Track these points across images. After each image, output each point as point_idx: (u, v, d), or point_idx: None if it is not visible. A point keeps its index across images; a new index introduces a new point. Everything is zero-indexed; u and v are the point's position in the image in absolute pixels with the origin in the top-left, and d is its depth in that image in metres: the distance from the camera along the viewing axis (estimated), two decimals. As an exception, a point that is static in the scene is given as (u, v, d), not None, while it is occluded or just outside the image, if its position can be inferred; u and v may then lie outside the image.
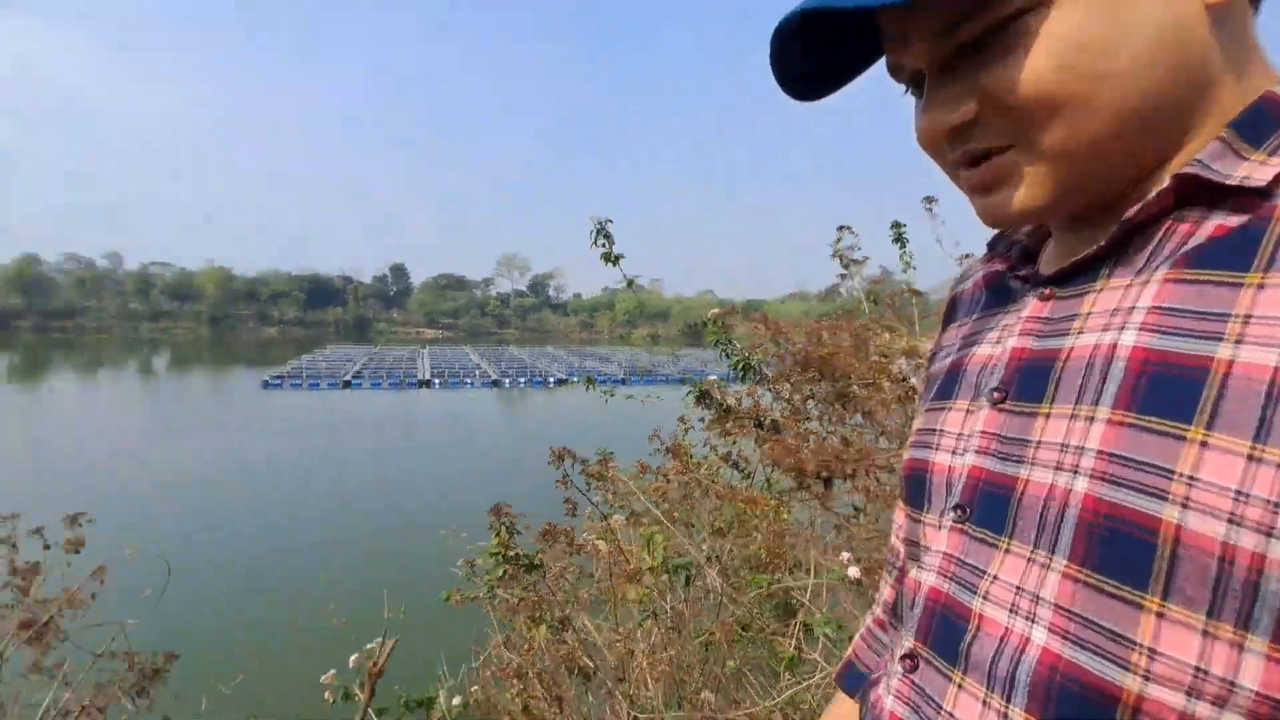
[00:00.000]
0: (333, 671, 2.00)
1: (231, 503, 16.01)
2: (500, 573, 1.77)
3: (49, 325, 78.02)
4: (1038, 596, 0.42)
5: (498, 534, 1.77)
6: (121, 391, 37.82)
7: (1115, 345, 0.42)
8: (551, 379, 44.89)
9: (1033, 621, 0.43)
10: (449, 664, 1.96)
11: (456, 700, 1.75)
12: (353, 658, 1.98)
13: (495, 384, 42.80)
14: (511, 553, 1.75)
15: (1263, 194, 0.39)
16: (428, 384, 41.13)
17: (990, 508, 0.47)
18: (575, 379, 44.61)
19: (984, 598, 0.46)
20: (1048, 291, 0.50)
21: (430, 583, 2.51)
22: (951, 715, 0.47)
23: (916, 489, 0.56)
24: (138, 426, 25.42)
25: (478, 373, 45.36)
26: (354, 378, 40.26)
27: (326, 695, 1.95)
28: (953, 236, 3.18)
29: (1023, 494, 0.45)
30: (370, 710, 1.81)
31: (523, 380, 44.02)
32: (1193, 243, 0.41)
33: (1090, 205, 0.47)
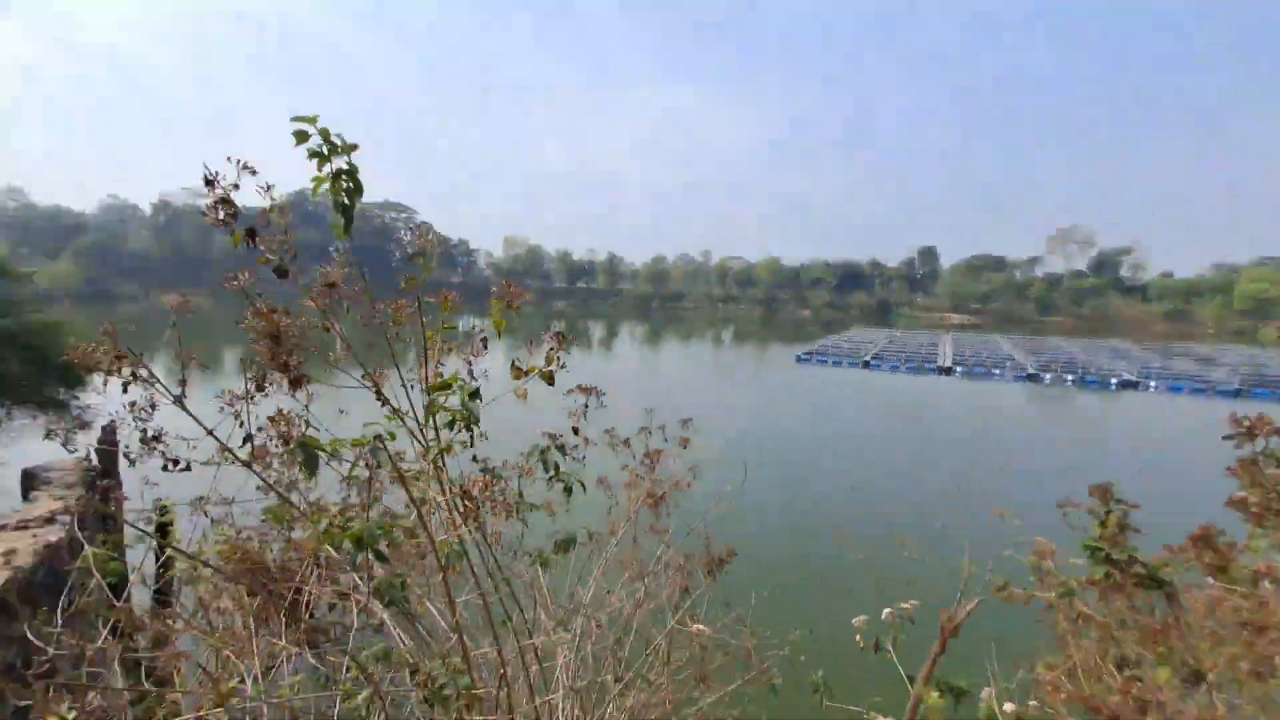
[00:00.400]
0: (863, 617, 1.95)
1: (768, 444, 19.00)
2: (1101, 573, 1.33)
3: (667, 305, 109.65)
4: None
5: (1101, 522, 1.33)
6: (701, 353, 50.11)
7: None
8: (1114, 380, 35.46)
9: None
10: (998, 659, 1.64)
11: (1009, 707, 1.43)
12: (885, 611, 1.88)
13: (1031, 378, 36.66)
14: (1122, 554, 1.28)
15: None
16: (948, 371, 38.61)
17: None
18: (1154, 383, 34.03)
19: None
20: None
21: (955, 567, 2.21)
22: None
23: None
24: (707, 377, 33.59)
25: (1009, 364, 39.76)
26: (873, 359, 41.44)
27: (857, 638, 1.92)
28: None
29: None
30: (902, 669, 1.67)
31: (1069, 378, 36.26)
32: None
33: None
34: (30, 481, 7.27)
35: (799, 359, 43.13)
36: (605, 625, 2.34)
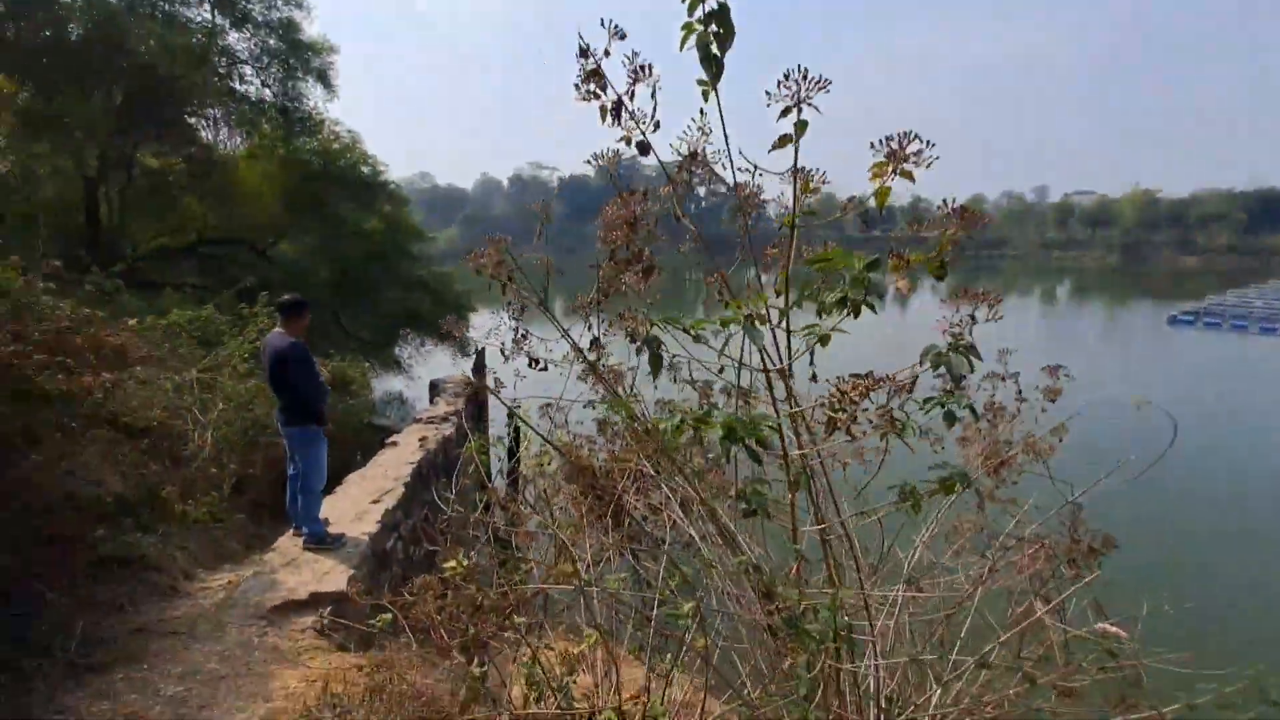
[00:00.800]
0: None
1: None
2: None
3: (981, 254, 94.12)
4: None
5: None
6: (1020, 314, 41.69)
7: None
8: None
9: None
10: None
11: None
12: None
13: None
14: None
15: None
16: None
17: None
18: None
19: None
20: None
21: None
22: None
23: None
24: (1029, 341, 27.54)
25: None
26: (1313, 325, 29.43)
27: None
28: None
29: None
30: None
31: None
32: None
33: None
34: (434, 390, 9.71)
35: (1174, 320, 33.10)
36: (930, 597, 2.02)
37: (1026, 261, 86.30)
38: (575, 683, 1.82)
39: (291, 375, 4.37)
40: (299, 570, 4.25)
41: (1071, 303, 49.21)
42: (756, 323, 1.35)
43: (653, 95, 1.44)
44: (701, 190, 1.87)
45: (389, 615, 1.89)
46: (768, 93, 1.32)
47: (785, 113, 1.31)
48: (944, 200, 1.38)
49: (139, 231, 13.20)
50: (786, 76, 1.30)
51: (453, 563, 1.74)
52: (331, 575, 4.18)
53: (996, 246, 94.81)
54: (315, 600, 3.88)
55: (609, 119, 1.47)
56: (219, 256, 13.69)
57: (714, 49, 1.37)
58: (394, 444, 6.91)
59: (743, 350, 1.69)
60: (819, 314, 1.33)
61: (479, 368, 10.34)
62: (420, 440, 6.98)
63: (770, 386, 1.56)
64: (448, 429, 7.57)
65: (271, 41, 13.44)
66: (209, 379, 6.74)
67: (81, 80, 10.87)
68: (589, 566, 2.16)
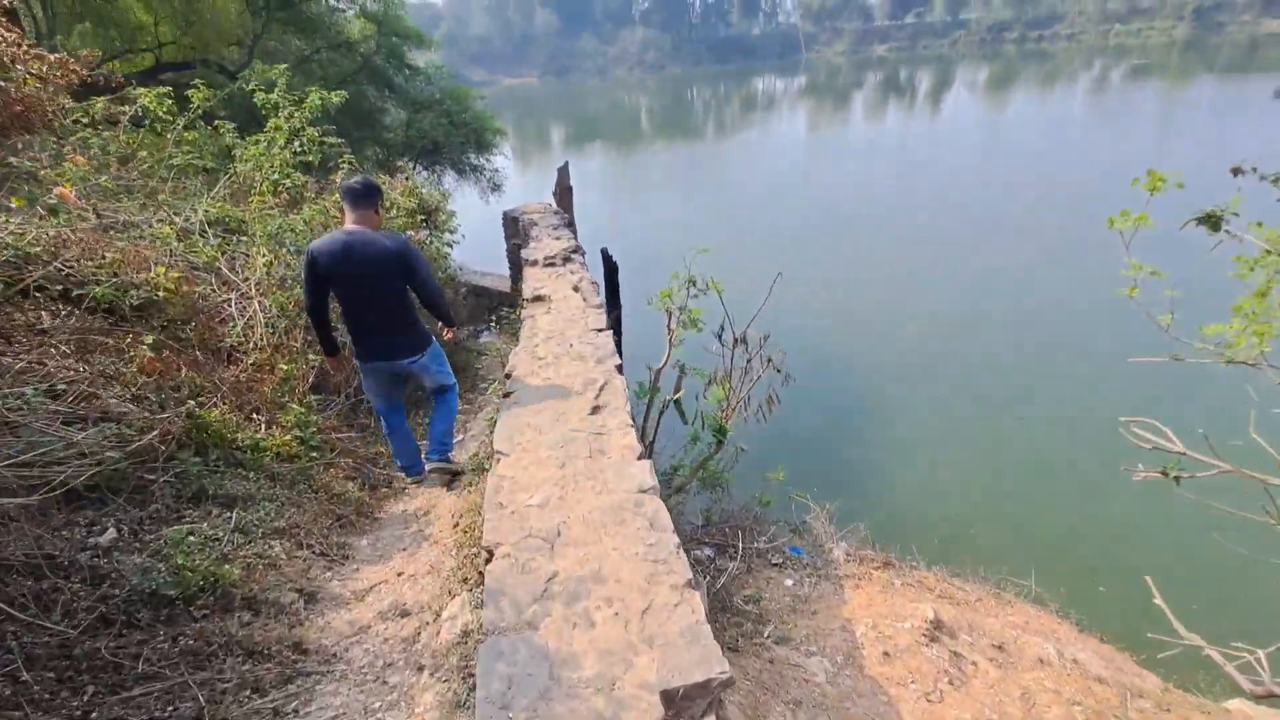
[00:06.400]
0: None
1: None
2: None
3: (1027, 36, 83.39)
4: None
5: None
6: (1070, 100, 37.65)
7: None
8: None
9: None
10: None
11: None
12: None
13: None
14: None
15: None
16: None
17: None
18: None
19: None
20: None
21: None
22: None
23: None
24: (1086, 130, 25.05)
25: None
26: None
27: None
28: None
29: None
30: None
31: None
32: None
33: None
34: (513, 225, 7.84)
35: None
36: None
37: (1081, 41, 76.39)
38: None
39: (420, 279, 3.15)
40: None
41: (1128, 84, 43.97)
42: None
43: None
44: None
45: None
46: None
47: None
48: None
49: (80, 49, 11.50)
50: None
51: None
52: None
53: (1048, 25, 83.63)
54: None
55: None
56: (184, 85, 11.92)
57: None
58: (539, 298, 4.84)
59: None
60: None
61: (566, 190, 8.78)
62: (574, 288, 5.05)
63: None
64: (583, 273, 5.56)
65: None
66: (234, 218, 4.70)
67: None
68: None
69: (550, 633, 1.91)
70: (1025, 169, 19.89)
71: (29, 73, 3.90)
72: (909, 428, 7.55)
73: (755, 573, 4.33)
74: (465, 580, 2.47)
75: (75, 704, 1.66)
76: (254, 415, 3.52)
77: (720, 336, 4.87)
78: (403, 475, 3.83)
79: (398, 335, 3.25)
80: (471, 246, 8.74)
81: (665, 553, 2.17)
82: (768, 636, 3.53)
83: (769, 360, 4.94)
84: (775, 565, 4.45)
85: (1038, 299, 10.52)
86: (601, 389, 3.40)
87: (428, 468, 3.67)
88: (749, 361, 4.89)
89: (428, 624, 2.30)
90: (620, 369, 3.72)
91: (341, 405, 4.28)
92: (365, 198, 3.07)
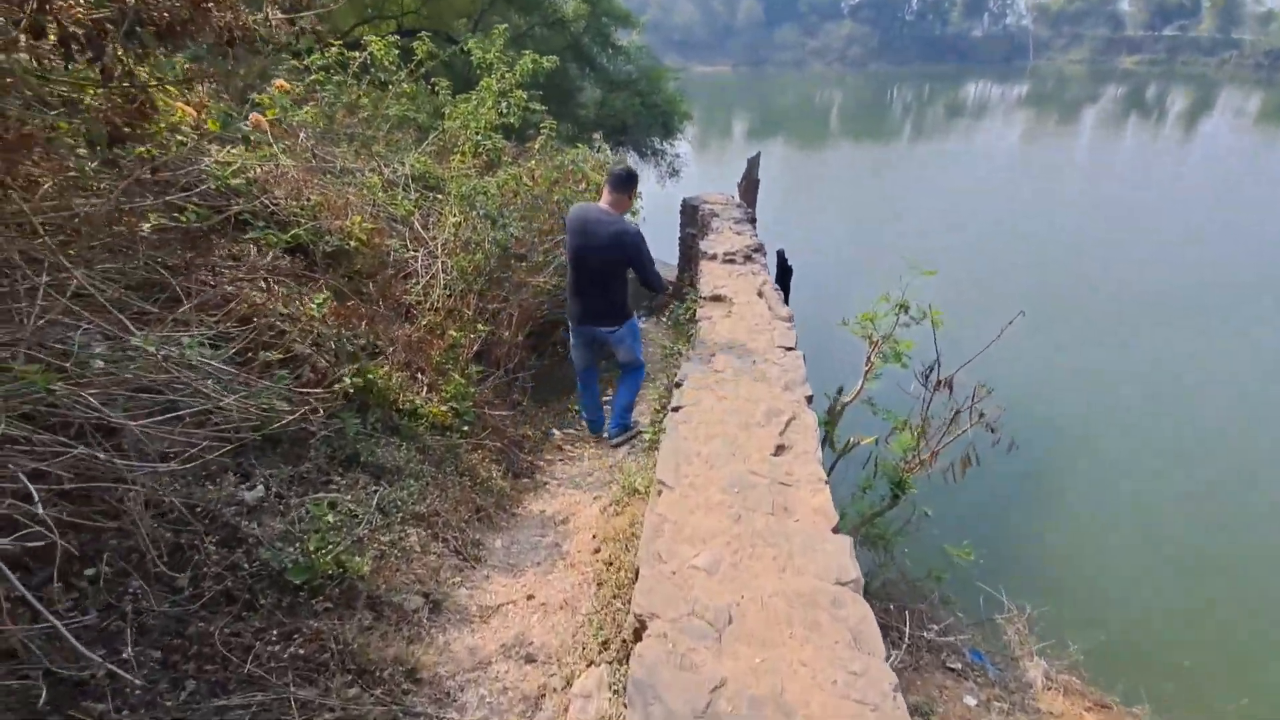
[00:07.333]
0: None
1: None
2: None
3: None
4: None
5: None
6: None
7: None
8: None
9: None
10: None
11: None
12: None
13: None
14: None
15: None
16: None
17: None
18: None
19: None
20: None
21: None
22: None
23: None
24: None
25: None
26: None
27: None
28: None
29: None
30: None
31: None
32: None
33: None
34: (690, 212, 7.53)
35: None
36: None
37: None
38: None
39: (641, 266, 3.49)
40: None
41: None
42: None
43: None
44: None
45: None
46: None
47: None
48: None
49: (341, 18, 12.58)
50: None
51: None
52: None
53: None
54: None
55: None
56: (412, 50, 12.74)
57: None
58: (718, 298, 4.28)
59: None
60: None
61: (753, 184, 8.17)
62: (758, 293, 4.39)
63: None
64: (766, 276, 4.85)
65: None
66: (434, 176, 4.66)
67: None
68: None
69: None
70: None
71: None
72: (1156, 529, 5.90)
73: (924, 673, 3.54)
74: (606, 645, 2.05)
75: (170, 702, 1.46)
76: (417, 376, 3.43)
77: (928, 377, 4.05)
78: (585, 427, 4.31)
79: (604, 306, 3.64)
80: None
81: (877, 695, 1.57)
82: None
83: (981, 415, 4.04)
84: (952, 671, 3.60)
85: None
86: (788, 424, 2.81)
87: (613, 442, 4.09)
88: (956, 413, 4.03)
89: (555, 690, 1.92)
90: (810, 400, 3.10)
91: (499, 379, 4.11)
92: (623, 184, 3.50)
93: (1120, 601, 4.89)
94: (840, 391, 4.12)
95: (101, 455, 1.51)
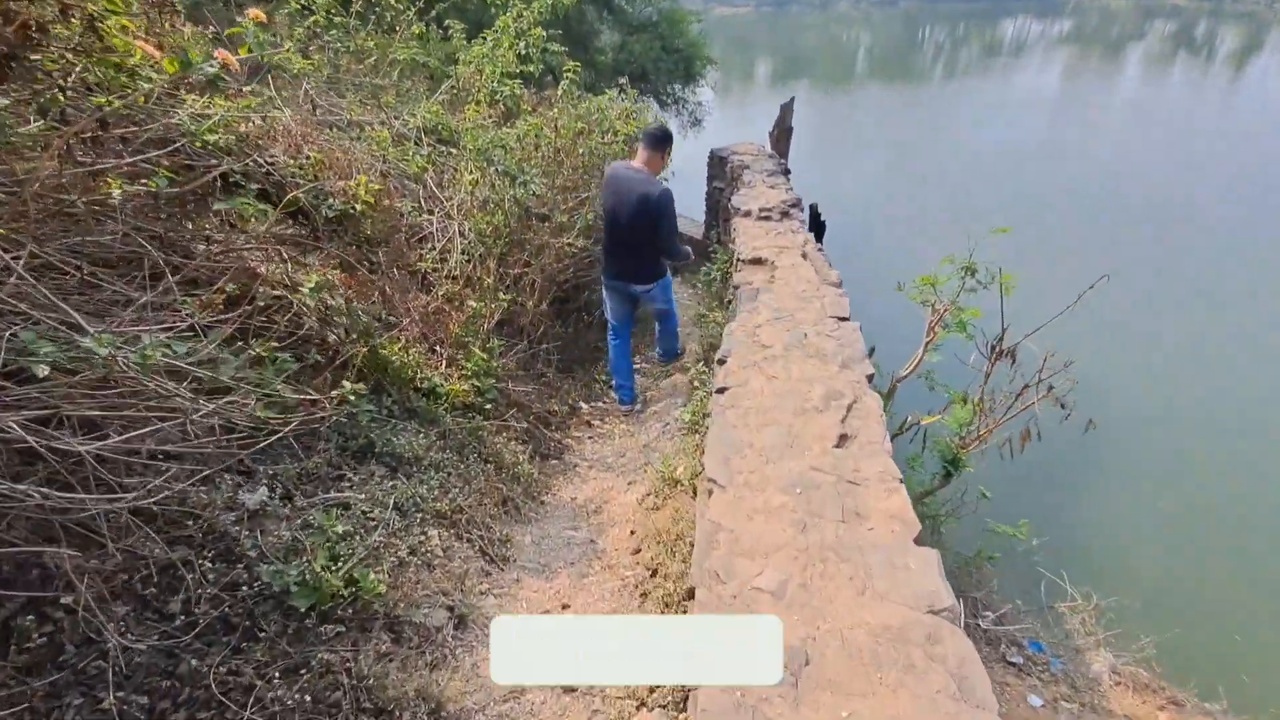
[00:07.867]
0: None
1: None
2: None
3: None
4: None
5: None
6: None
7: None
8: None
9: None
10: None
11: None
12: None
13: None
14: None
15: None
16: None
17: None
18: None
19: None
20: None
21: None
22: None
23: None
24: None
25: None
26: None
27: None
28: None
29: None
30: None
31: None
32: None
33: None
34: (719, 164, 7.12)
35: None
36: None
37: None
38: None
39: (662, 232, 3.42)
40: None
41: None
42: None
43: None
44: None
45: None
46: None
47: None
48: None
49: None
50: None
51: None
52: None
53: None
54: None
55: None
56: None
57: None
58: (758, 260, 3.95)
59: None
60: None
61: (785, 132, 7.59)
62: (802, 254, 4.00)
63: None
64: (807, 235, 4.41)
65: None
66: (447, 128, 4.28)
67: None
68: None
69: None
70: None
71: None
72: (1239, 515, 5.40)
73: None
74: (657, 685, 1.81)
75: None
76: (435, 350, 3.15)
77: (994, 347, 3.68)
78: (614, 396, 4.16)
79: (636, 266, 3.62)
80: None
81: (995, 764, 1.30)
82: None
83: (1050, 389, 3.68)
84: (1011, 665, 3.36)
85: None
86: (849, 409, 2.49)
87: (666, 365, 4.44)
88: (1025, 386, 3.66)
89: (599, 732, 1.69)
90: (872, 379, 2.76)
91: (522, 352, 3.82)
92: (658, 143, 3.47)
93: (1194, 593, 4.55)
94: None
95: (38, 496, 1.24)
